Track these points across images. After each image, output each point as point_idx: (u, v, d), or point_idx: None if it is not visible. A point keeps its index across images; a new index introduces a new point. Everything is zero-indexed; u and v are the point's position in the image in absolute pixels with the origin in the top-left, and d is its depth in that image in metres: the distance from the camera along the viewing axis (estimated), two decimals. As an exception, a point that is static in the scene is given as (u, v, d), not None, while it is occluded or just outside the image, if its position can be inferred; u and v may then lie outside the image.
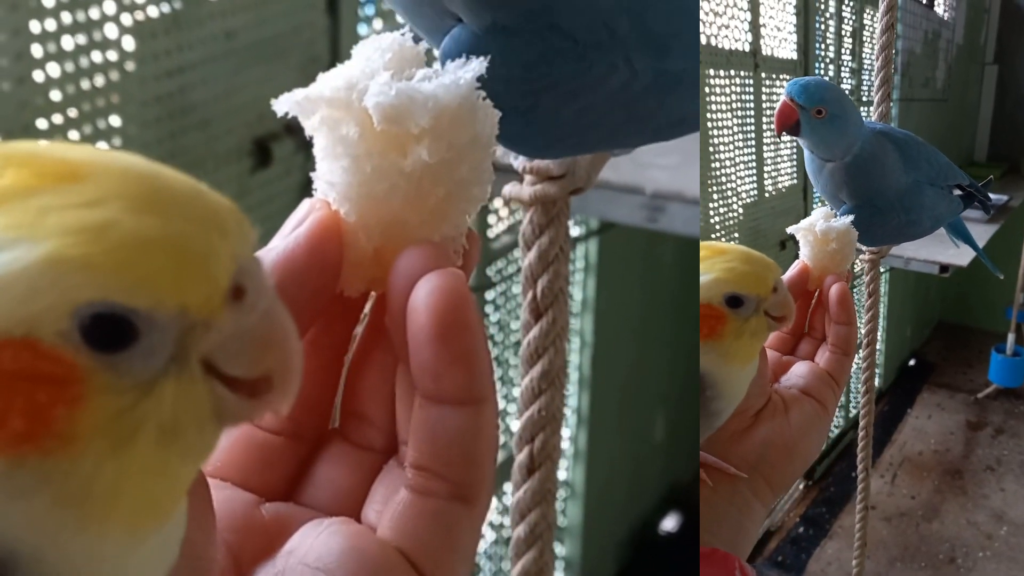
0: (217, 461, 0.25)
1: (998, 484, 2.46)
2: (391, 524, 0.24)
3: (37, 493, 0.17)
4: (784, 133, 0.72)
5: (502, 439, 1.77)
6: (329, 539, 0.23)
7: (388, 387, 0.26)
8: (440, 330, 0.23)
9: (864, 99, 2.25)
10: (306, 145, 1.27)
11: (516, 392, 0.42)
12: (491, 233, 1.62)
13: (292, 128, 1.21)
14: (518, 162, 0.43)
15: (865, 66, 2.25)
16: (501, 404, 1.77)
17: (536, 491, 0.40)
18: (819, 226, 0.53)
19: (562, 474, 2.04)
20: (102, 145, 1.00)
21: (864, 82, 2.27)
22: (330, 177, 0.25)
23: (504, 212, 1.62)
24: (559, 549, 2.07)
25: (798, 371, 0.50)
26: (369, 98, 0.24)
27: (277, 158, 1.20)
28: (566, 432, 2.08)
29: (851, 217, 0.54)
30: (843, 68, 2.20)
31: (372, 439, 0.26)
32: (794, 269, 0.54)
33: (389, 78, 0.24)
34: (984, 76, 3.36)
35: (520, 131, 0.35)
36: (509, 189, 0.42)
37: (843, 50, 2.17)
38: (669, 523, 2.47)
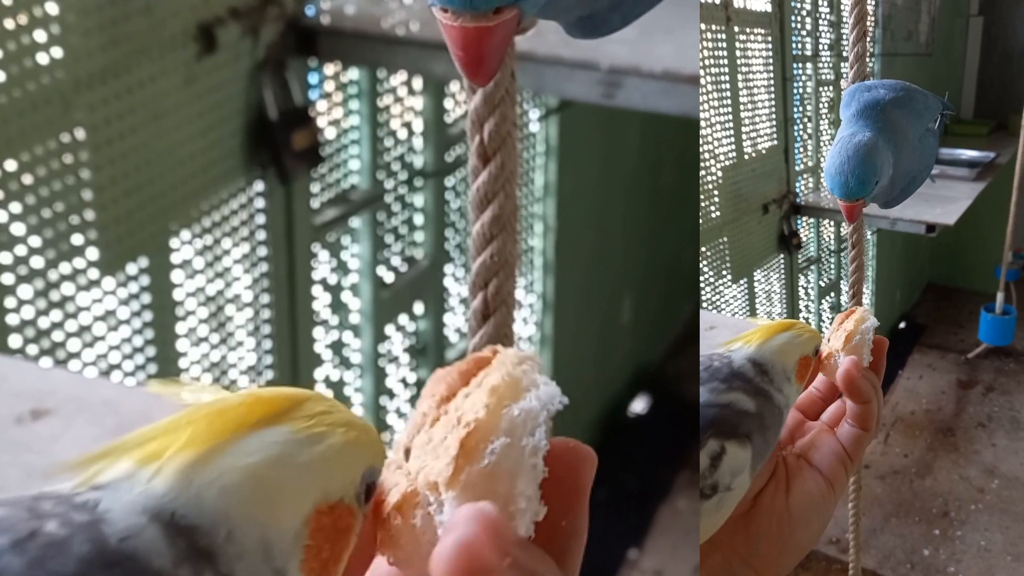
0: None
1: (989, 440, 2.47)
2: None
3: None
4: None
5: (455, 338, 1.72)
6: None
7: None
8: None
9: (844, 53, 2.22)
10: (253, 30, 1.23)
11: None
12: (448, 118, 1.58)
13: (237, 12, 1.16)
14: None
15: (844, 19, 2.22)
16: (461, 290, 1.70)
17: (492, 337, 0.37)
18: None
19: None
20: (40, 34, 0.95)
21: (844, 36, 2.24)
22: None
23: (461, 96, 1.58)
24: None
25: (815, 441, 0.49)
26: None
27: (223, 43, 1.14)
28: (532, 318, 2.03)
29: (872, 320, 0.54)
30: (820, 21, 2.16)
31: None
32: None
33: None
34: (969, 29, 3.31)
35: None
36: None
37: (820, 2, 2.13)
38: (638, 405, 2.45)
